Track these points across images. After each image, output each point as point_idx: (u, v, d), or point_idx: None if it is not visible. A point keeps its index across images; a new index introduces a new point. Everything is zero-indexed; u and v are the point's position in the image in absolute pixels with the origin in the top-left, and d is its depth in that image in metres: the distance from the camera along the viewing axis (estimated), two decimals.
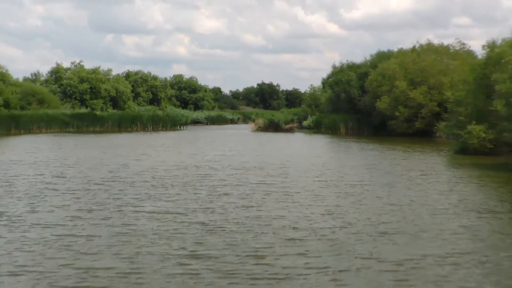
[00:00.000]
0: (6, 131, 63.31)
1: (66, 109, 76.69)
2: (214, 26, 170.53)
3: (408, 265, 12.20)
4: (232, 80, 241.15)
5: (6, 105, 65.77)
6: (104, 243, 13.80)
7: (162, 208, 18.52)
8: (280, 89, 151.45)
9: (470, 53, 61.42)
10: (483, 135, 36.64)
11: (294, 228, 15.65)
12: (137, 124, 79.38)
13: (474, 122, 37.73)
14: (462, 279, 11.42)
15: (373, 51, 76.77)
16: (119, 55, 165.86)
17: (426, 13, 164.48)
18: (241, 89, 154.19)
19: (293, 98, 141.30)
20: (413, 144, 49.74)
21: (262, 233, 14.99)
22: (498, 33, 66.49)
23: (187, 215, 17.28)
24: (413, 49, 65.22)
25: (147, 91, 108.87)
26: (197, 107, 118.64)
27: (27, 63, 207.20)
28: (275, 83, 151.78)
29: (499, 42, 38.01)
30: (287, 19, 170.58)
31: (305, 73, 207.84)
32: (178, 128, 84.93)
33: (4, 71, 69.72)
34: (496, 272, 11.96)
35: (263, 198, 20.64)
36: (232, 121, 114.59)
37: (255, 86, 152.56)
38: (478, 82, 37.99)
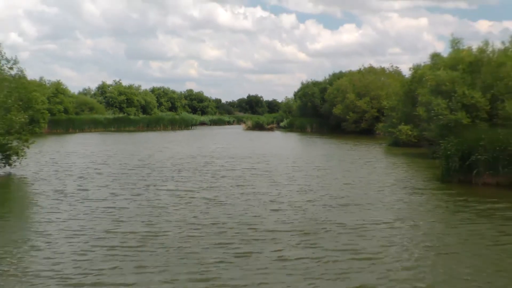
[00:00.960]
0: (65, 130, 62.89)
1: (109, 115, 76.62)
2: (216, 54, 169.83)
3: (362, 227, 11.95)
4: (228, 93, 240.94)
5: (66, 111, 65.64)
6: (135, 213, 13.55)
7: (178, 187, 18.23)
8: (264, 100, 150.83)
9: (400, 74, 61.49)
10: (410, 132, 36.66)
11: (275, 201, 15.36)
12: (160, 125, 79.19)
13: (403, 123, 37.68)
14: (402, 238, 11.21)
15: (330, 72, 76.43)
16: (147, 75, 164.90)
17: (369, 45, 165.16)
18: (235, 100, 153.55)
19: (272, 106, 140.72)
20: (359, 139, 49.68)
21: (252, 205, 14.71)
22: (420, 59, 66.62)
23: (197, 192, 17.01)
24: (359, 71, 65.09)
25: (167, 101, 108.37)
26: (203, 112, 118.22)
27: (81, 81, 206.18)
28: (260, 95, 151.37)
29: (421, 65, 38.03)
30: (269, 49, 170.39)
31: (281, 88, 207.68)
32: (190, 128, 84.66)
33: (64, 87, 69.44)
34: (428, 233, 11.72)
35: (252, 179, 20.31)
36: (229, 123, 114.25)
37: (245, 97, 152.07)
38: (406, 94, 37.91)
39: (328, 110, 64.02)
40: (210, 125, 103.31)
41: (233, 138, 54.66)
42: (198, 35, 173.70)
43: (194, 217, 13.10)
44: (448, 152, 19.35)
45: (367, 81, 59.64)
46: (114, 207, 14.29)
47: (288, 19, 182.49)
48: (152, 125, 78.40)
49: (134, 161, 27.41)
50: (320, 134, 61.60)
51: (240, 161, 27.77)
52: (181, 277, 8.51)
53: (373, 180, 20.15)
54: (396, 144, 38.74)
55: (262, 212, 13.79)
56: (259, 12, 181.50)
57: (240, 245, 10.49)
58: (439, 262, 9.53)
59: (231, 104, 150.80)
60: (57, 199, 15.52)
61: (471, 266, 9.19)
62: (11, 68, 22.72)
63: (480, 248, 10.39)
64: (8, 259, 9.46)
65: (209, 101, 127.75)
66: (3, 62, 22.39)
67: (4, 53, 22.68)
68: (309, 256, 9.70)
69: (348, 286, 8.09)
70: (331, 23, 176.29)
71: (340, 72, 71.98)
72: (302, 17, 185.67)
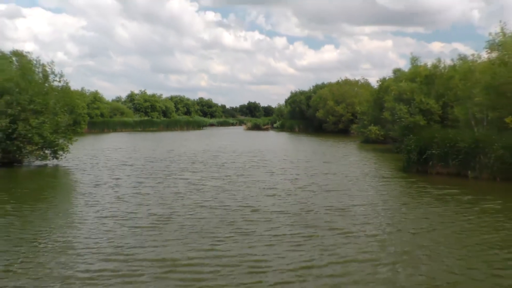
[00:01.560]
0: (101, 130, 62.39)
1: (136, 118, 76.19)
2: (222, 69, 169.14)
3: (342, 209, 11.83)
4: (232, 100, 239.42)
5: (101, 115, 65.40)
6: (157, 197, 13.39)
7: (191, 176, 18.05)
8: (261, 105, 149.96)
9: (369, 85, 60.96)
10: (378, 132, 36.53)
11: (271, 188, 15.21)
12: (177, 126, 78.66)
13: (372, 124, 37.56)
14: (375, 217, 11.07)
15: (314, 84, 76.24)
16: (167, 86, 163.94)
17: (345, 61, 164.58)
18: (238, 105, 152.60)
19: (268, 111, 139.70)
20: (337, 138, 49.42)
21: (252, 191, 14.57)
22: (386, 73, 66.75)
23: (208, 181, 16.84)
24: (337, 82, 64.65)
25: (183, 107, 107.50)
26: (212, 116, 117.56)
27: (114, 91, 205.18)
28: (257, 102, 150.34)
29: (386, 78, 37.99)
30: (264, 65, 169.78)
31: (275, 96, 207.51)
32: (201, 128, 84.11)
33: (100, 95, 69.25)
34: (395, 214, 11.60)
35: (251, 170, 20.15)
36: (233, 124, 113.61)
37: (246, 103, 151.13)
38: (375, 101, 37.76)
39: (312, 114, 63.80)
40: (217, 126, 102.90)
41: (235, 136, 54.39)
42: (207, 54, 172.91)
43: (205, 200, 12.98)
44: (409, 148, 19.40)
45: (344, 91, 59.36)
46: (139, 193, 14.14)
47: (280, 41, 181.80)
48: (171, 126, 77.90)
49: (155, 154, 27.21)
50: (306, 133, 61.33)
51: (241, 155, 27.58)
52: (197, 248, 8.41)
53: (349, 171, 20.00)
54: (367, 141, 38.55)
55: (261, 197, 13.66)
56: (256, 35, 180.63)
57: (243, 224, 10.38)
58: (405, 236, 9.45)
59: (234, 109, 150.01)
60: (93, 186, 15.38)
61: (430, 239, 9.11)
62: (58, 81, 22.78)
63: (437, 225, 10.31)
64: (50, 235, 9.37)
65: (217, 106, 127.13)
66: (52, 76, 22.41)
67: (54, 69, 22.65)
68: (300, 232, 9.61)
69: (332, 257, 8.02)
70: (314, 44, 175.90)
71: (322, 84, 71.78)
72: (291, 40, 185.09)
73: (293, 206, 12.28)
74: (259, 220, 10.71)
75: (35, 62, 22.18)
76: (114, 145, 36.10)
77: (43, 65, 22.32)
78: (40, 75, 22.02)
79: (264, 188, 15.22)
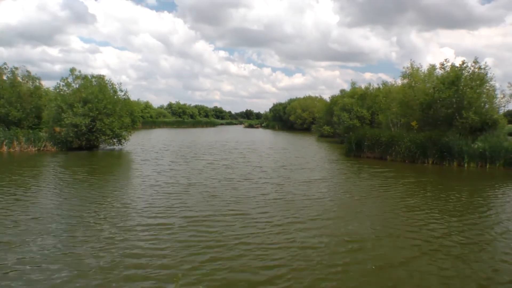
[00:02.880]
0: (150, 127, 61.03)
1: (172, 119, 74.87)
2: (229, 88, 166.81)
3: (309, 182, 11.20)
4: (236, 108, 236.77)
5: (150, 117, 64.10)
6: (185, 173, 12.67)
7: (209, 158, 17.34)
8: (254, 112, 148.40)
9: (324, 100, 59.92)
10: (329, 130, 35.98)
11: (261, 166, 14.56)
12: (200, 125, 77.02)
13: (325, 125, 36.98)
14: (331, 188, 10.49)
15: (288, 98, 75.11)
16: (193, 98, 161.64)
17: (309, 84, 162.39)
18: (239, 112, 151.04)
19: (258, 116, 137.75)
20: (303, 134, 48.77)
21: (248, 168, 13.92)
22: (335, 92, 65.91)
23: (219, 162, 16.15)
24: (304, 98, 63.43)
25: (203, 112, 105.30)
26: (222, 118, 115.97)
27: (159, 101, 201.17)
28: (252, 110, 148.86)
29: (335, 95, 37.37)
30: (256, 86, 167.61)
31: (263, 106, 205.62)
32: (215, 126, 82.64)
33: (150, 104, 68.46)
34: (343, 185, 11.06)
35: (247, 154, 19.44)
36: (236, 124, 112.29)
37: (244, 111, 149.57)
38: (327, 110, 37.12)
39: (287, 118, 62.82)
40: (226, 125, 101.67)
41: (238, 132, 53.50)
42: (219, 78, 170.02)
43: (218, 174, 12.35)
44: (349, 141, 18.96)
45: (307, 103, 58.45)
46: (172, 169, 13.46)
47: (266, 70, 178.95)
48: (195, 124, 76.25)
49: (184, 143, 26.36)
50: (283, 130, 60.61)
51: (239, 144, 26.82)
52: (214, 210, 7.81)
53: (311, 155, 19.46)
54: (322, 136, 38.02)
55: (254, 172, 13.08)
56: (251, 66, 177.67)
57: (243, 190, 9.80)
58: (352, 202, 8.92)
59: (237, 114, 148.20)
60: (143, 164, 14.66)
61: (368, 205, 8.61)
62: (123, 94, 21.98)
63: (373, 193, 9.84)
64: (113, 197, 8.72)
65: (225, 112, 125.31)
66: (119, 91, 21.68)
67: (120, 86, 21.96)
68: (281, 197, 9.05)
69: (301, 215, 7.48)
70: (289, 73, 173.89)
71: (294, 98, 70.77)
72: (274, 69, 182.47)
73: (276, 179, 11.71)
74: (253, 188, 10.14)
75: (107, 82, 21.63)
76: (158, 136, 35.15)
77: (113, 84, 21.81)
78: (111, 90, 21.35)
79: (255, 166, 14.61)
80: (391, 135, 17.42)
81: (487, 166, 14.90)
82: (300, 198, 8.98)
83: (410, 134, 16.92)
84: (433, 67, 19.32)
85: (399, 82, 21.84)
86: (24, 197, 8.55)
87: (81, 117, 19.13)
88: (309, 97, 62.67)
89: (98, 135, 20.14)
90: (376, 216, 7.52)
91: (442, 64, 18.13)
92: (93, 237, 5.89)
